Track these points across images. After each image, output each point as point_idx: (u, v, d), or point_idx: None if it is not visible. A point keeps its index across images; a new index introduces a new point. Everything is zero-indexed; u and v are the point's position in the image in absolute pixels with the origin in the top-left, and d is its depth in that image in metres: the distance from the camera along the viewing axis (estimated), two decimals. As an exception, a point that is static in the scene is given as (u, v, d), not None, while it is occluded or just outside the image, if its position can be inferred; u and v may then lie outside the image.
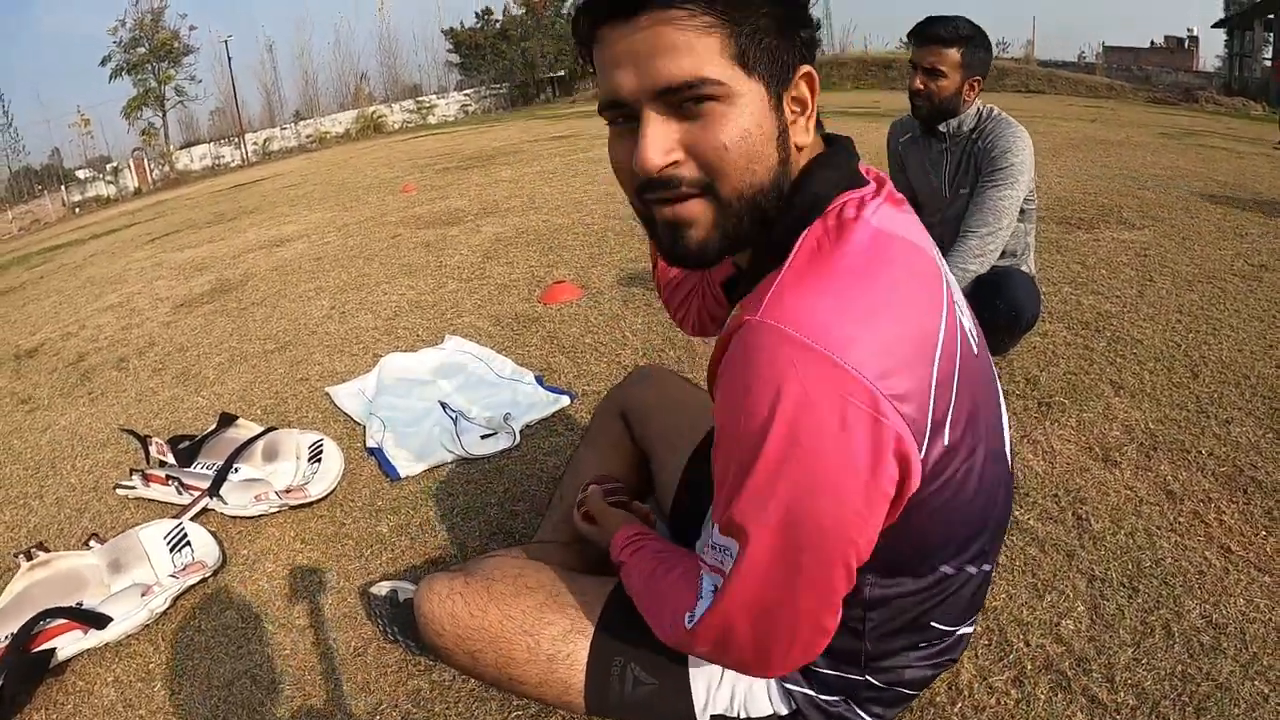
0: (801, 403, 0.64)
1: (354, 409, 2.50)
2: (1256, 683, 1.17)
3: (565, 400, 2.36)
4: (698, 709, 0.96)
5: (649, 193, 0.73)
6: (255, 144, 30.66)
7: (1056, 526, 1.57)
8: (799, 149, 0.76)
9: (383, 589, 1.49)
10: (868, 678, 0.91)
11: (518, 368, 2.64)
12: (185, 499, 2.03)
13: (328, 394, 2.67)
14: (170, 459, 2.23)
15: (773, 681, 0.95)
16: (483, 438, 2.17)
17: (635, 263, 3.78)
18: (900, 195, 0.81)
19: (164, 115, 31.96)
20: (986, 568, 0.88)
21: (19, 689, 1.44)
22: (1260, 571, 1.39)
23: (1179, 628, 1.28)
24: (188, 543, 1.79)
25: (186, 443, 2.28)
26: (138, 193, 24.68)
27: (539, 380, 2.52)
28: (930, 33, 2.00)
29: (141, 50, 31.10)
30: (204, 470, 2.11)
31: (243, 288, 4.58)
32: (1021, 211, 2.07)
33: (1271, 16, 19.31)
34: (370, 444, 2.22)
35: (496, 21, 35.65)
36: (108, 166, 28.98)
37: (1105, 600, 1.36)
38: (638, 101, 0.70)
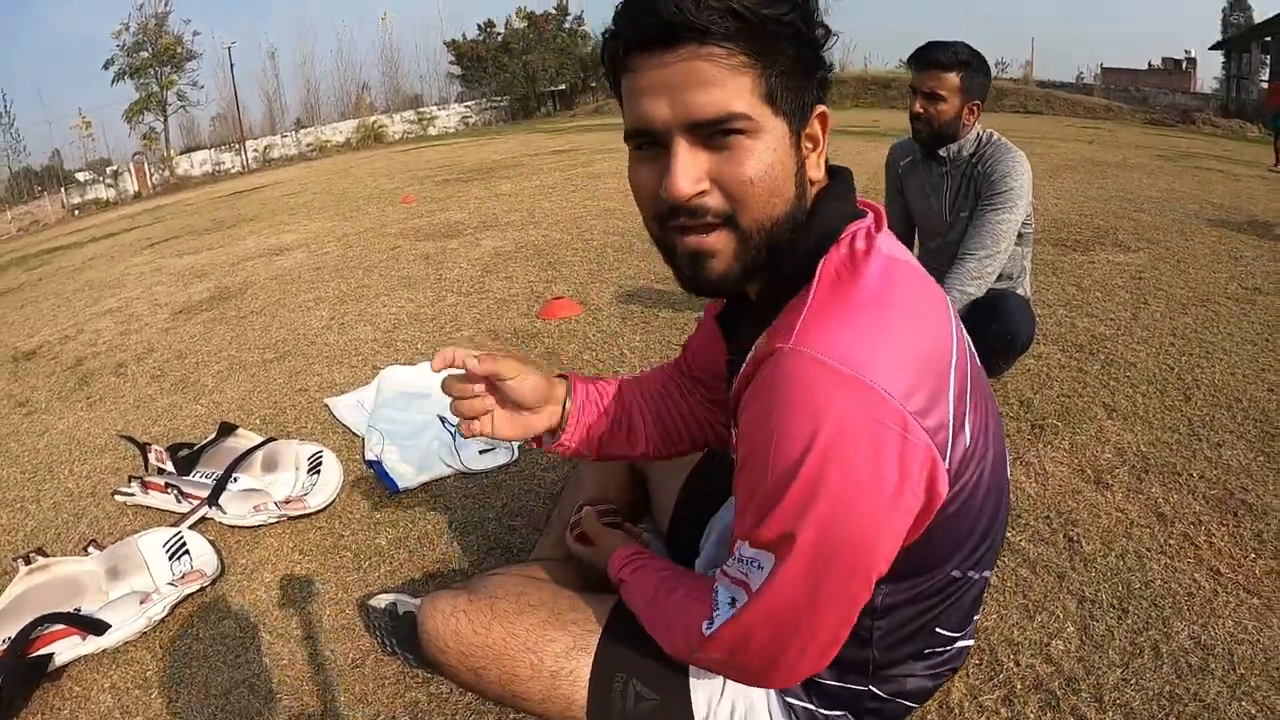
0: (838, 425, 0.67)
1: (353, 421, 2.51)
2: (1244, 703, 1.19)
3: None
4: None
5: (673, 219, 0.75)
6: (256, 151, 30.72)
7: (1048, 548, 1.59)
8: (811, 183, 0.80)
9: (382, 601, 1.50)
10: (872, 688, 0.93)
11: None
12: (184, 507, 2.04)
13: (326, 405, 2.68)
14: (169, 467, 2.24)
15: (773, 695, 0.96)
16: (481, 452, 2.18)
17: (634, 280, 3.80)
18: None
19: (165, 120, 32.03)
20: (987, 574, 0.91)
21: (16, 693, 1.45)
22: (1249, 594, 1.42)
23: (1168, 649, 1.30)
24: (186, 551, 1.80)
25: (186, 451, 2.29)
26: (137, 196, 24.64)
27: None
28: (930, 58, 2.04)
29: (144, 55, 31.17)
30: (203, 479, 2.12)
31: (242, 296, 4.59)
32: (1019, 235, 2.10)
33: (1269, 39, 19.55)
34: (370, 456, 2.23)
35: (498, 34, 35.85)
36: (108, 169, 28.94)
37: (1095, 621, 1.37)
38: (669, 131, 0.72)
